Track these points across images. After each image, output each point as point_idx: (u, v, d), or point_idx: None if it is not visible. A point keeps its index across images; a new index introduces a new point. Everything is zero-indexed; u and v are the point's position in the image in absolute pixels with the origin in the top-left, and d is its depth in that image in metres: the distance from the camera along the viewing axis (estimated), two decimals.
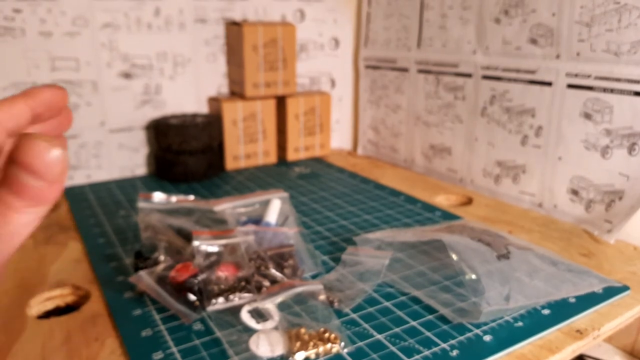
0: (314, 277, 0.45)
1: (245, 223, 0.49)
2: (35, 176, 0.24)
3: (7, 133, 0.27)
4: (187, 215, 0.50)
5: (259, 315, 0.38)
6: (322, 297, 0.41)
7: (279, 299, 0.39)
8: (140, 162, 0.77)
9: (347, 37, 0.91)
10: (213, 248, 0.42)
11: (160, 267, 0.41)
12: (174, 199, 0.51)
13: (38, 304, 0.43)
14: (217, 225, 0.49)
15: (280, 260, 0.44)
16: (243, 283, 0.40)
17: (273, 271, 0.42)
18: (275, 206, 0.51)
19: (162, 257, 0.43)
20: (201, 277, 0.39)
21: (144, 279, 0.40)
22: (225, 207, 0.51)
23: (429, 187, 0.72)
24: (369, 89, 0.89)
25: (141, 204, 0.49)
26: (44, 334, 0.38)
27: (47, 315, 0.42)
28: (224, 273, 0.40)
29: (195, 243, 0.41)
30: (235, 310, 0.39)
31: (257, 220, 0.50)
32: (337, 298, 0.41)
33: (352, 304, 0.41)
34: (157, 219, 0.47)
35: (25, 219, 0.25)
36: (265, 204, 0.52)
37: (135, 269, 0.44)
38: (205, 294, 0.39)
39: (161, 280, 0.40)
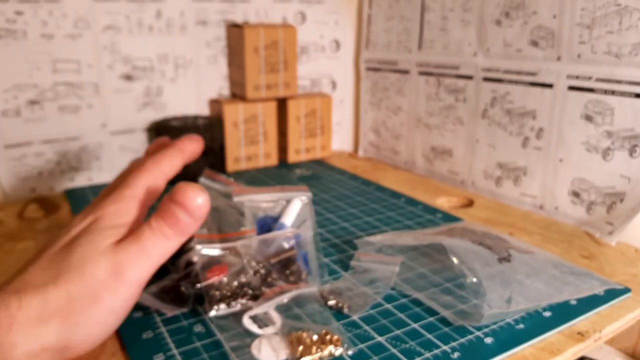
0: (323, 284, 0.44)
1: (261, 220, 0.47)
2: (187, 213, 0.33)
3: (166, 180, 0.38)
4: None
5: (261, 319, 0.38)
6: (332, 302, 0.41)
7: (277, 303, 0.39)
8: None
9: (348, 39, 0.91)
10: (214, 252, 0.41)
11: (160, 284, 0.41)
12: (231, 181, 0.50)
13: None
14: (234, 217, 0.47)
15: (283, 268, 0.44)
16: (245, 289, 0.40)
17: (281, 282, 0.42)
18: (295, 208, 0.48)
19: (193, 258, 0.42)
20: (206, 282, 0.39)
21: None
22: (244, 199, 0.48)
23: (430, 189, 0.72)
24: (369, 91, 0.89)
25: (202, 180, 0.49)
26: None
27: None
28: (217, 275, 0.40)
29: (198, 247, 0.41)
30: (236, 312, 0.39)
31: (275, 218, 0.48)
32: (346, 304, 0.41)
33: (362, 310, 0.40)
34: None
35: (171, 246, 0.33)
36: (288, 201, 0.49)
37: None
38: (207, 300, 0.39)
39: (161, 293, 0.40)
